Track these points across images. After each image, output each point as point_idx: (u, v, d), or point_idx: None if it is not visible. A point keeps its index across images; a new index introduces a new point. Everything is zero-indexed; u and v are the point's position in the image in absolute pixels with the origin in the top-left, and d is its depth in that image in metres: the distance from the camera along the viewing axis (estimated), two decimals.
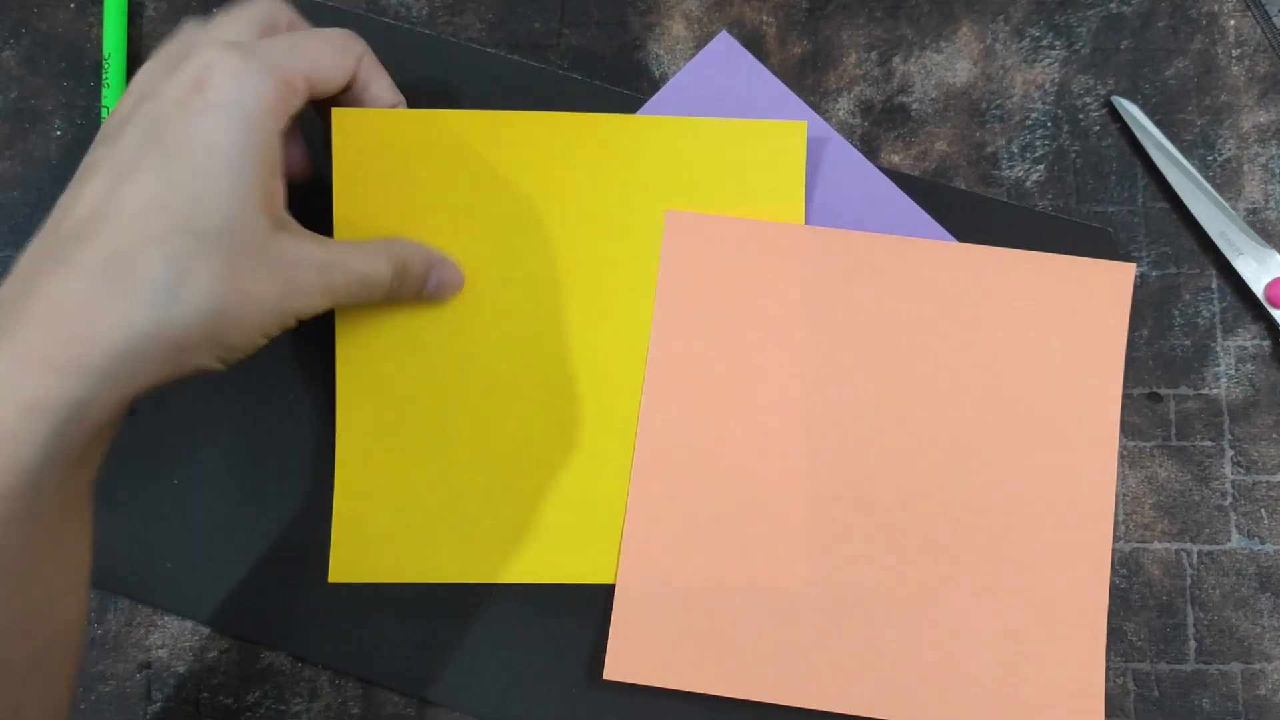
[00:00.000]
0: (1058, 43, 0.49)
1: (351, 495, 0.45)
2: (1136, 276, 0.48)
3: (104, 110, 0.48)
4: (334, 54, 0.40)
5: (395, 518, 0.45)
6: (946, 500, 0.45)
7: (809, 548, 0.45)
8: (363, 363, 0.45)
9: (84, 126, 0.49)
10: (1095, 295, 0.46)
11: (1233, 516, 0.46)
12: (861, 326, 0.46)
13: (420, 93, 0.48)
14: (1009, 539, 0.45)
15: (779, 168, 0.46)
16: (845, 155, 0.48)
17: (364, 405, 0.45)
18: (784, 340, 0.46)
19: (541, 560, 0.45)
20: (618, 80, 0.49)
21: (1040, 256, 0.46)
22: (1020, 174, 0.48)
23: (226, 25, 0.38)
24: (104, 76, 0.48)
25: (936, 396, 0.45)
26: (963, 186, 0.48)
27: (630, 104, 0.48)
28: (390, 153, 0.45)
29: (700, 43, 0.49)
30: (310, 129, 0.45)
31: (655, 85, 0.49)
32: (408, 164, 0.45)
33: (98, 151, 0.36)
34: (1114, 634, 0.45)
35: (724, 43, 0.49)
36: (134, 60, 0.49)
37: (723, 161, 0.46)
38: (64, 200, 0.36)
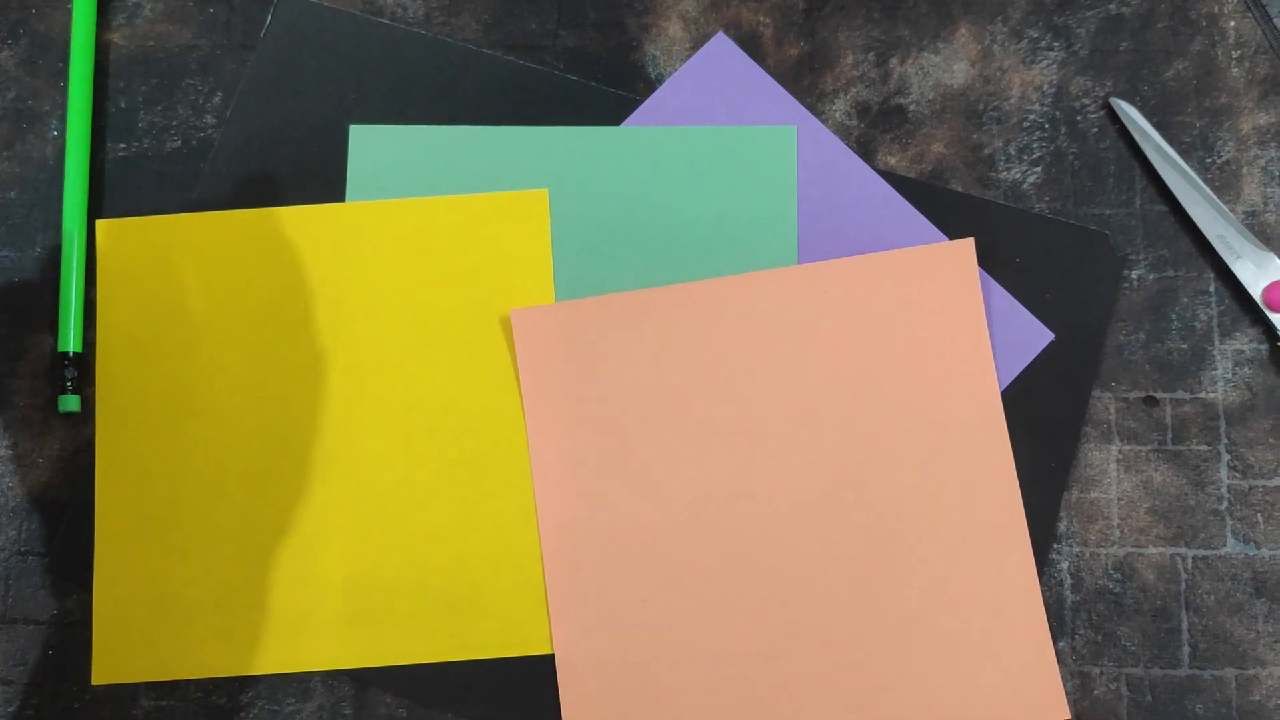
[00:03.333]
0: (1056, 44, 0.49)
1: (111, 596, 0.45)
2: (1134, 279, 0.47)
3: (68, 116, 0.48)
4: None
5: (158, 614, 0.45)
6: (863, 521, 0.45)
7: (742, 601, 0.45)
8: (122, 459, 0.46)
9: None
10: (944, 277, 0.46)
11: (1228, 521, 0.46)
12: (736, 371, 0.46)
13: (418, 94, 0.48)
14: (931, 539, 0.45)
15: (526, 237, 0.47)
16: (841, 157, 0.48)
17: (123, 506, 0.46)
18: (664, 404, 0.46)
19: (309, 649, 0.45)
20: (614, 81, 0.49)
21: (883, 256, 0.46)
22: (1017, 176, 0.48)
23: None
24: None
25: (827, 419, 0.46)
26: (959, 189, 0.48)
27: (626, 105, 0.48)
28: (155, 257, 0.47)
29: (697, 44, 0.49)
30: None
31: (651, 86, 0.49)
32: (171, 267, 0.47)
33: None
34: (1108, 639, 0.45)
35: (720, 44, 0.49)
36: (125, 62, 0.49)
37: (471, 236, 0.47)
38: None
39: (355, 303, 0.47)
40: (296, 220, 0.48)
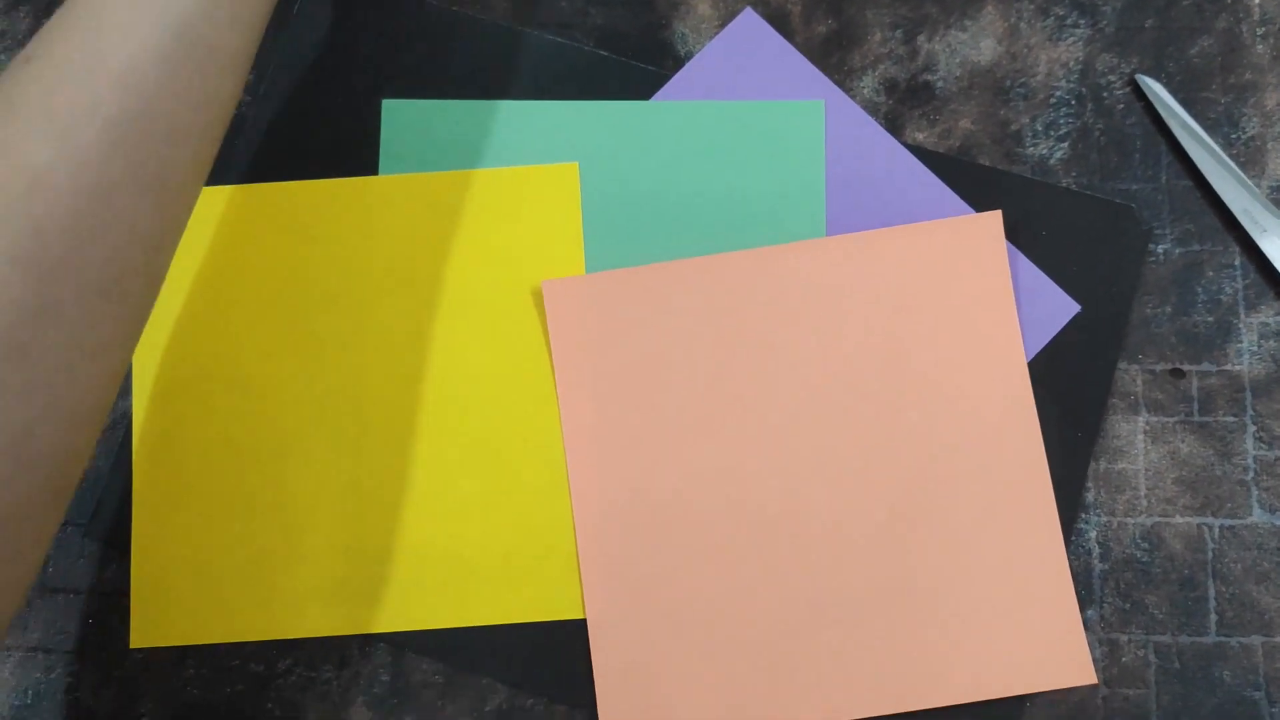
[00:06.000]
0: (1082, 21, 0.49)
1: (149, 561, 0.46)
2: (1160, 253, 0.48)
3: None
4: None
5: (195, 579, 0.46)
6: (891, 491, 0.45)
7: (770, 569, 0.45)
8: (159, 428, 0.47)
9: None
10: (971, 249, 0.47)
11: (1254, 491, 0.46)
12: (764, 342, 0.46)
13: (449, 69, 0.49)
14: (958, 508, 0.45)
15: (557, 210, 0.48)
16: (868, 132, 0.48)
17: (160, 475, 0.46)
18: (694, 375, 0.46)
19: (342, 614, 0.46)
20: (643, 58, 0.49)
21: (911, 228, 0.47)
22: (1044, 151, 0.49)
23: None
24: None
25: (855, 390, 0.46)
26: (987, 164, 0.48)
27: (655, 81, 0.49)
28: (188, 230, 0.47)
29: (725, 20, 0.50)
30: None
31: (680, 63, 0.49)
32: (204, 240, 0.48)
33: None
34: (1136, 606, 0.46)
35: (749, 20, 0.49)
36: None
37: (502, 209, 0.48)
38: None
39: (387, 275, 0.48)
40: (329, 193, 0.48)
